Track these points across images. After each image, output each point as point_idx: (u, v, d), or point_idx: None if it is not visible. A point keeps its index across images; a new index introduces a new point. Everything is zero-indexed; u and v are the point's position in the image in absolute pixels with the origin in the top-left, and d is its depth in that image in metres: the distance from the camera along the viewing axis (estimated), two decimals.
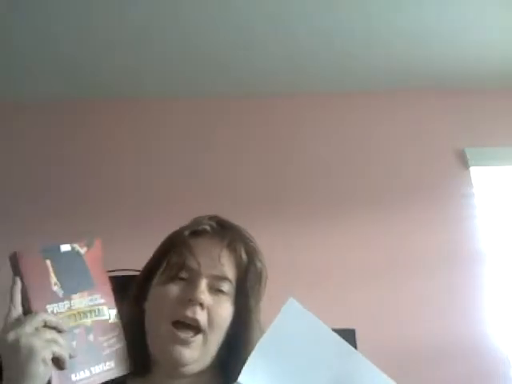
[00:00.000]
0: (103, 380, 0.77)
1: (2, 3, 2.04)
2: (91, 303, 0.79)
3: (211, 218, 0.91)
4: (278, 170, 2.57)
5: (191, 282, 0.81)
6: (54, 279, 0.77)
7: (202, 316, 0.79)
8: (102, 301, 0.81)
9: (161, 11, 2.15)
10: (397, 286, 2.32)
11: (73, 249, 0.81)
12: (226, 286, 0.83)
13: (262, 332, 0.82)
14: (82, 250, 0.83)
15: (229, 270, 0.84)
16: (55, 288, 0.77)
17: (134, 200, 2.47)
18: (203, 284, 0.81)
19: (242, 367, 0.75)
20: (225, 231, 0.88)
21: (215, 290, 0.82)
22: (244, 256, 0.86)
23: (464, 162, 2.57)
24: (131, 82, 2.61)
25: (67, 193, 2.49)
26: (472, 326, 2.27)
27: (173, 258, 0.84)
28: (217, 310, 0.81)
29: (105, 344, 0.79)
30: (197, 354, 0.79)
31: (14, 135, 2.61)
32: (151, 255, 0.92)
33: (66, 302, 0.77)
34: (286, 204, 2.48)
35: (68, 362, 0.71)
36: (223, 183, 2.53)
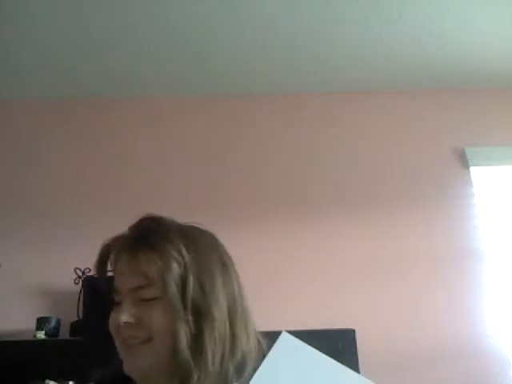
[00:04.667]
0: None
1: None
2: None
3: (134, 224, 0.88)
4: (278, 170, 2.57)
5: (120, 305, 0.82)
6: None
7: (134, 331, 0.79)
8: None
9: (155, 11, 2.15)
10: (397, 285, 2.32)
11: None
12: (149, 292, 0.80)
13: (224, 335, 0.80)
14: None
15: (140, 277, 0.81)
16: None
17: (134, 200, 2.46)
18: (125, 303, 0.80)
19: (174, 375, 0.76)
20: (132, 239, 0.85)
21: (140, 300, 0.80)
22: (147, 261, 0.81)
23: (464, 162, 2.57)
24: (128, 82, 2.61)
25: (66, 192, 2.49)
26: (472, 325, 2.27)
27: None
28: (146, 319, 0.79)
29: None
30: (150, 359, 0.78)
31: (14, 134, 2.62)
32: None
33: None
34: (286, 204, 2.48)
35: None
36: (220, 184, 2.53)
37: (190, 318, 0.79)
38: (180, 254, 0.82)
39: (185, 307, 0.79)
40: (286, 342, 0.68)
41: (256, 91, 2.69)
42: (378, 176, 2.56)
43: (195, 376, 0.76)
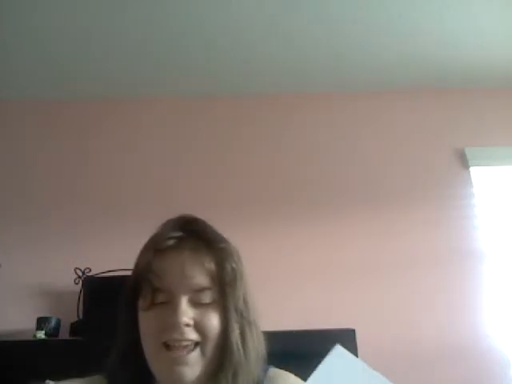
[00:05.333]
0: None
1: None
2: None
3: (176, 223, 0.87)
4: (277, 170, 2.57)
5: (170, 304, 0.79)
6: None
7: (191, 333, 0.78)
8: None
9: (155, 11, 2.15)
10: (397, 285, 2.32)
11: None
12: (206, 297, 0.81)
13: (258, 336, 0.84)
14: None
15: (202, 279, 0.81)
16: None
17: (133, 200, 2.47)
18: (183, 303, 0.79)
19: (223, 373, 0.78)
20: (188, 239, 0.84)
21: (198, 304, 0.80)
22: (208, 264, 0.82)
23: (464, 162, 2.57)
24: (128, 82, 2.61)
25: (66, 192, 2.49)
26: (472, 325, 2.27)
27: (144, 283, 0.82)
28: (203, 322, 0.79)
29: None
30: (197, 369, 0.78)
31: (13, 134, 2.62)
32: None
33: None
34: (286, 204, 2.48)
35: None
36: (220, 184, 2.53)
37: (239, 320, 0.83)
38: (235, 258, 0.86)
39: (236, 310, 0.82)
40: (338, 355, 0.68)
41: (256, 91, 2.69)
42: (377, 176, 2.56)
43: (243, 372, 0.80)
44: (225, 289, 0.82)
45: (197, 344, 0.79)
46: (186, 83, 2.63)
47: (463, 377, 2.14)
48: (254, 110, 2.71)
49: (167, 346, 0.78)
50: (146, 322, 0.80)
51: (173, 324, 0.77)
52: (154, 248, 0.84)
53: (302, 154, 2.61)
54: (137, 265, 0.86)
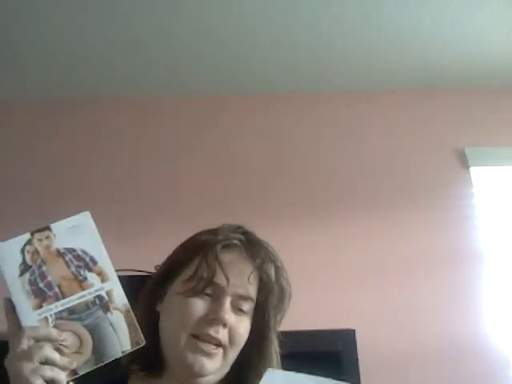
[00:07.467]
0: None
1: None
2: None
3: (237, 228, 0.91)
4: (279, 171, 2.57)
5: (216, 300, 0.81)
6: None
7: (223, 334, 0.80)
8: None
9: (158, 11, 2.15)
10: (397, 285, 2.32)
11: None
12: (247, 306, 0.83)
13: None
14: None
15: (254, 290, 0.84)
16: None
17: (134, 200, 2.47)
18: (228, 303, 0.81)
19: (256, 382, 0.78)
20: (254, 248, 0.88)
21: (237, 309, 0.83)
22: (273, 277, 0.86)
23: (464, 162, 2.57)
24: (127, 82, 2.61)
25: (65, 193, 2.49)
26: (472, 326, 2.27)
27: (200, 269, 0.82)
28: (237, 329, 0.81)
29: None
30: (217, 365, 0.80)
31: (12, 135, 2.62)
32: (172, 254, 0.89)
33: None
34: (286, 204, 2.48)
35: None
36: (224, 184, 2.53)
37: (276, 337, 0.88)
38: (285, 279, 0.91)
39: (275, 327, 0.87)
40: (272, 379, 0.70)
41: (256, 91, 2.69)
42: (377, 176, 2.56)
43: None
44: (274, 305, 0.86)
45: (219, 346, 0.80)
46: (186, 83, 2.63)
47: (463, 377, 2.14)
48: (254, 111, 2.70)
49: (196, 337, 0.79)
50: (186, 308, 0.80)
51: (213, 319, 0.79)
52: (223, 243, 0.85)
53: (302, 155, 2.61)
54: (198, 248, 0.85)
